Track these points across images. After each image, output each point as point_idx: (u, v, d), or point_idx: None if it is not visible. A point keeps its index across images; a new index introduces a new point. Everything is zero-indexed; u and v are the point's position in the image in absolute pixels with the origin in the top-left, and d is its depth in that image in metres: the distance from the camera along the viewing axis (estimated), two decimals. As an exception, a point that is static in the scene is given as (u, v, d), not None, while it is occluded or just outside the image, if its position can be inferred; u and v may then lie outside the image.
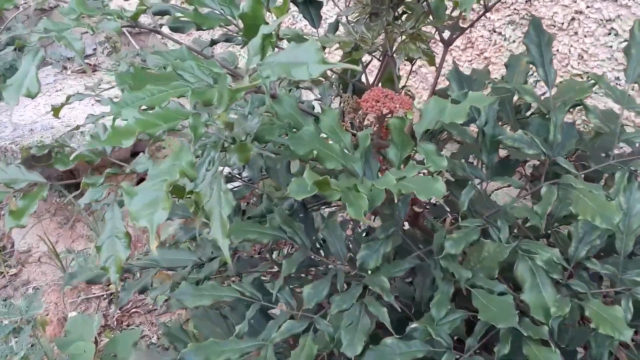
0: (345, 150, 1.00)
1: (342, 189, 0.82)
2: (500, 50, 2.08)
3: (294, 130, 1.07)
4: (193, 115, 0.75)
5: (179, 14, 1.13)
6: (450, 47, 1.23)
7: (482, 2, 1.11)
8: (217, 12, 1.08)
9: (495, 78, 2.01)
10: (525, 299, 1.00)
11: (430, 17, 1.16)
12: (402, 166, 1.11)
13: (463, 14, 0.96)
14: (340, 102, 1.37)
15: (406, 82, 1.45)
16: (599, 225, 0.93)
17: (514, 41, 2.03)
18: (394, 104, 1.10)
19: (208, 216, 0.89)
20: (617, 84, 1.81)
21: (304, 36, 1.31)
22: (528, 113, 1.49)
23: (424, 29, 1.16)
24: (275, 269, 1.35)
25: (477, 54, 2.15)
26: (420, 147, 1.03)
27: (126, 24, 0.96)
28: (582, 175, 1.10)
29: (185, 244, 1.37)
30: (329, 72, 1.42)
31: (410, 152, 1.07)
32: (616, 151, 1.51)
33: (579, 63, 1.86)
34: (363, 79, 1.41)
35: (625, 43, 1.77)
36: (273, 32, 0.85)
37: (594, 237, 1.03)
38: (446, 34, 1.23)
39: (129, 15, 0.94)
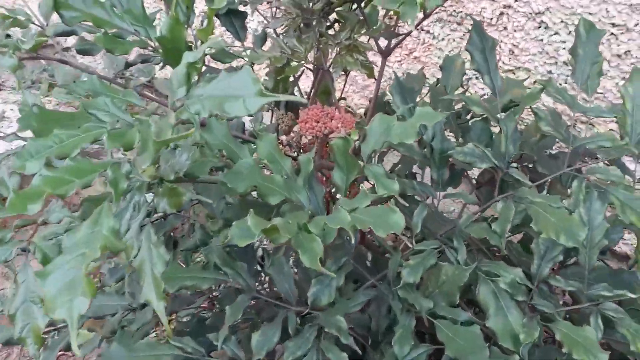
0: (287, 180, 0.90)
1: (293, 233, 0.72)
2: (429, 49, 2.02)
3: (228, 159, 0.96)
4: (112, 167, 0.63)
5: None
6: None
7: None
8: (131, 32, 0.96)
9: (428, 80, 1.96)
10: (491, 326, 0.93)
11: (366, 27, 1.07)
12: (349, 190, 1.02)
13: (407, 23, 0.88)
14: (274, 119, 1.27)
15: (342, 94, 1.36)
16: (565, 243, 0.87)
17: (442, 39, 1.98)
18: (336, 123, 1.01)
19: (137, 273, 0.78)
20: (549, 77, 1.79)
21: (231, 51, 1.20)
22: (468, 116, 1.45)
23: (359, 39, 1.07)
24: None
25: (406, 54, 2.09)
26: (368, 170, 0.94)
27: (25, 55, 0.82)
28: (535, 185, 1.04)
29: (113, 286, 1.24)
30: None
31: (357, 175, 0.98)
32: (556, 149, 1.48)
33: (510, 58, 1.83)
34: (296, 91, 1.32)
35: (556, 36, 1.76)
36: (199, 59, 0.75)
37: (556, 252, 0.97)
38: (382, 42, 1.15)
39: (27, 47, 0.80)
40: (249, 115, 1.44)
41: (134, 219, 0.82)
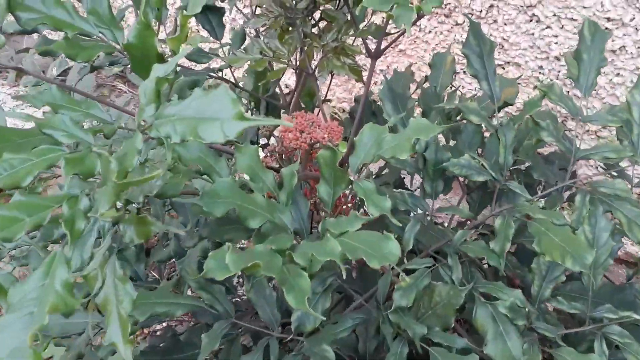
0: (268, 201, 0.82)
1: (277, 270, 0.64)
2: (415, 42, 1.94)
3: (205, 174, 0.88)
4: (68, 202, 0.55)
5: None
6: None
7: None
8: (96, 36, 0.86)
9: (415, 80, 1.88)
10: (490, 352, 0.87)
11: (354, 27, 0.99)
12: (335, 205, 0.95)
13: (401, 28, 0.80)
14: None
15: (327, 94, 1.28)
16: (571, 267, 0.81)
17: (429, 32, 1.90)
18: (322, 133, 0.93)
19: (100, 309, 0.70)
20: (540, 72, 1.72)
21: (209, 53, 1.11)
22: (459, 117, 1.37)
23: (347, 40, 0.99)
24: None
25: (391, 47, 2.01)
26: (358, 186, 0.87)
27: (-27, 64, 0.73)
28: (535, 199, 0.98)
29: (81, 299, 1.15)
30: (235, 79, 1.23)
31: (345, 190, 0.91)
32: (548, 151, 1.42)
33: (499, 53, 1.75)
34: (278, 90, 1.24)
35: (548, 30, 1.69)
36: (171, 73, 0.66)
37: (558, 273, 0.91)
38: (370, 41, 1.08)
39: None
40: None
41: (98, 245, 0.74)
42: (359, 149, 0.89)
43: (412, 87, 1.46)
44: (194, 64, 1.11)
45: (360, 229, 0.77)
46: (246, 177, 0.90)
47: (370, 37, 1.03)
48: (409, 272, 0.94)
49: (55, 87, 0.78)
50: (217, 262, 0.68)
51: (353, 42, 1.04)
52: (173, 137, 0.59)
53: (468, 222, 1.23)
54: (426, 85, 1.43)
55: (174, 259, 1.19)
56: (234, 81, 1.16)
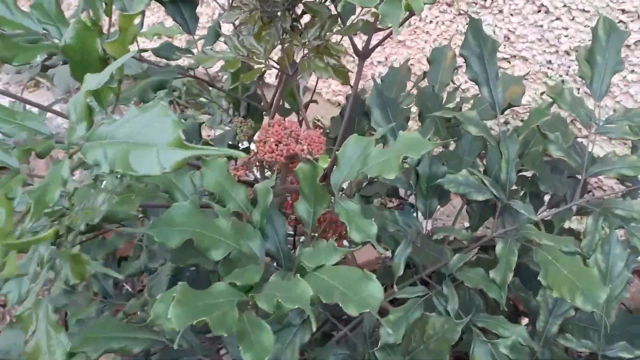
0: (236, 226, 0.72)
1: (231, 325, 0.54)
2: (415, 32, 1.82)
3: (166, 193, 0.77)
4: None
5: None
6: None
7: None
8: (39, 33, 0.75)
9: (415, 74, 1.77)
10: (489, 397, 0.76)
11: (340, 23, 0.88)
12: (320, 221, 0.84)
13: (388, 27, 0.69)
14: (235, 126, 1.07)
15: (313, 94, 1.17)
16: (581, 306, 0.70)
17: (430, 22, 1.78)
18: (301, 145, 0.82)
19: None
20: (549, 67, 1.60)
21: (180, 49, 1.00)
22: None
23: (332, 38, 0.88)
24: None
25: (389, 37, 1.89)
26: (340, 206, 0.76)
27: None
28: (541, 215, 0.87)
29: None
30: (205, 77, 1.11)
31: (327, 208, 0.80)
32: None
33: (505, 46, 1.64)
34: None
35: (557, 21, 1.57)
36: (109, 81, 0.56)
37: (567, 307, 0.80)
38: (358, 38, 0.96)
39: None
40: (207, 114, 1.24)
41: (35, 280, 0.64)
42: (341, 164, 0.78)
43: (410, 84, 1.35)
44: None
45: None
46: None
47: (360, 32, 0.92)
48: (398, 302, 0.84)
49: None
50: (166, 307, 0.58)
51: (340, 40, 0.93)
52: (102, 165, 0.49)
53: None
54: (424, 82, 1.32)
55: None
56: (208, 80, 1.05)
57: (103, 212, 0.64)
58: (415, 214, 0.93)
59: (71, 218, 0.67)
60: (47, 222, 0.69)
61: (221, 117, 1.18)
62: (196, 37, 1.06)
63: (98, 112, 0.56)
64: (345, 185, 0.81)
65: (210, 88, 1.07)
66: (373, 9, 0.70)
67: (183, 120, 1.18)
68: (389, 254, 0.94)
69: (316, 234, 0.86)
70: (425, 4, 0.69)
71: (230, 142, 1.08)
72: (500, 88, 0.85)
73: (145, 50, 0.99)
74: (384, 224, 0.85)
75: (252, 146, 1.16)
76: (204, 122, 1.20)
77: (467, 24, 0.85)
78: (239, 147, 1.09)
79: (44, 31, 0.75)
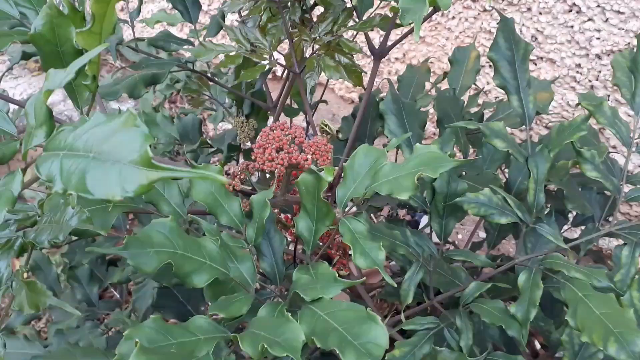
0: (223, 249, 0.63)
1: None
2: (436, 28, 1.72)
3: (150, 203, 0.69)
4: None
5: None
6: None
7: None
8: (14, 18, 0.67)
9: (434, 72, 1.67)
10: None
11: (355, 17, 0.79)
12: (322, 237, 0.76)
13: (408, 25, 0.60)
14: (235, 126, 0.98)
15: (323, 94, 1.08)
16: (615, 355, 0.61)
17: (453, 17, 1.68)
18: (304, 154, 0.73)
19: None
20: (578, 71, 1.50)
21: (179, 40, 0.91)
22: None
23: (345, 34, 0.78)
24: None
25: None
26: (344, 226, 0.67)
27: None
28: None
29: (21, 328, 0.98)
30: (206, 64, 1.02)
31: (330, 227, 0.71)
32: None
33: (531, 47, 1.53)
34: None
35: (589, 22, 1.47)
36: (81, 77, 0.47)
37: (596, 349, 0.71)
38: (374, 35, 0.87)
39: None
40: (209, 109, 1.16)
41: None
42: (348, 178, 0.69)
43: (428, 84, 1.25)
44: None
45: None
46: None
47: (377, 28, 0.83)
48: (405, 334, 0.75)
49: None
50: (132, 348, 0.50)
51: (355, 37, 0.84)
52: (56, 183, 0.40)
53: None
54: (444, 83, 1.23)
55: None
56: (209, 75, 0.96)
57: (70, 228, 0.55)
58: (428, 232, 0.84)
59: (37, 232, 0.59)
60: (11, 234, 0.61)
61: (223, 114, 1.10)
62: (199, 27, 0.97)
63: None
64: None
65: (211, 83, 0.98)
66: (392, 3, 0.61)
67: (184, 116, 1.10)
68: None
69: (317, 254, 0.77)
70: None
71: (231, 142, 0.99)
72: (531, 97, 0.75)
73: (141, 39, 0.91)
74: (394, 245, 0.76)
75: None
76: (205, 118, 1.12)
77: (494, 21, 0.76)
78: (241, 148, 1.00)
79: (21, 15, 0.67)
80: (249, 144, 1.04)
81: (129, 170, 0.38)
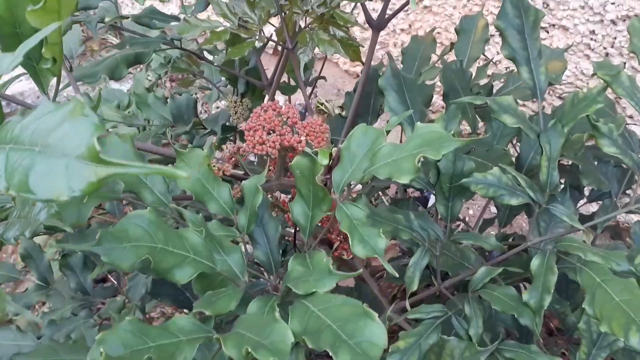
0: (209, 239, 0.59)
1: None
2: (443, -4, 1.65)
3: (131, 193, 0.64)
4: None
5: None
6: None
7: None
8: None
9: (441, 44, 1.60)
10: None
11: (349, -14, 0.73)
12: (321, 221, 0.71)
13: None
14: (228, 106, 0.93)
15: (321, 71, 1.02)
16: (637, 347, 0.56)
17: (460, -15, 1.60)
18: (298, 136, 0.68)
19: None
20: (592, 38, 1.43)
21: (164, 16, 0.86)
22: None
23: (340, 5, 0.73)
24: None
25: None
26: (342, 212, 0.63)
27: None
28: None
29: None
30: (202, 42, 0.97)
31: (327, 212, 0.66)
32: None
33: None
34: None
35: (603, -12, 1.39)
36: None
37: (615, 337, 0.66)
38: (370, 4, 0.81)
39: None
40: (203, 88, 1.11)
41: None
42: (345, 160, 0.65)
43: (434, 57, 1.19)
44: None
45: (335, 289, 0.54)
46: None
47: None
48: (411, 322, 0.70)
49: None
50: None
51: (352, 9, 0.78)
52: None
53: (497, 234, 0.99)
54: (451, 55, 1.17)
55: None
56: (198, 53, 0.91)
57: (38, 223, 0.51)
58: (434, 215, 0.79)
59: (6, 227, 0.54)
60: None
61: (218, 94, 1.05)
62: (187, 3, 0.91)
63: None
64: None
65: (201, 61, 0.93)
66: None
67: (178, 96, 1.05)
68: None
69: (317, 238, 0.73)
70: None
71: (225, 123, 0.94)
72: (543, 68, 0.70)
73: (125, 17, 0.86)
74: (397, 231, 0.71)
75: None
76: (201, 98, 1.07)
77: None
78: (237, 129, 0.95)
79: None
80: (244, 124, 0.99)
81: (76, 165, 0.33)
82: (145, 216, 0.54)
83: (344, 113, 1.10)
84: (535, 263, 0.67)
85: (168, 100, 1.05)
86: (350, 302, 0.51)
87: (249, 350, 0.44)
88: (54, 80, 0.53)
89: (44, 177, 0.33)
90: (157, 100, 1.01)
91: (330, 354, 0.46)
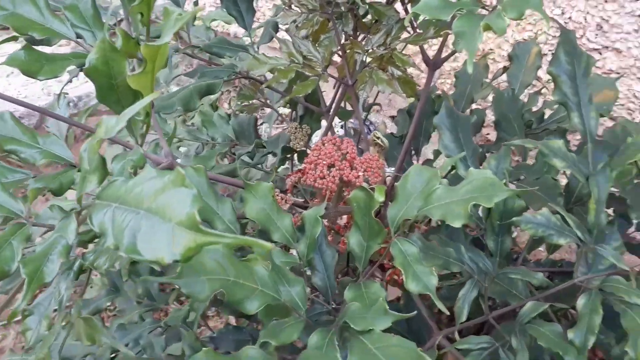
0: (275, 272, 0.64)
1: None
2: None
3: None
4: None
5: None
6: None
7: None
8: (71, 39, 0.68)
9: (492, 59, 1.62)
10: None
11: (409, 29, 0.77)
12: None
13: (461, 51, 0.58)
14: (289, 130, 0.98)
15: (376, 98, 1.06)
16: (678, 392, 0.59)
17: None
18: (356, 171, 0.73)
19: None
20: (645, 63, 1.43)
21: (234, 46, 0.91)
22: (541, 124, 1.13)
23: (398, 47, 0.77)
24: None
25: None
26: (396, 248, 0.67)
27: None
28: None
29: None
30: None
31: (381, 245, 0.71)
32: None
33: (596, 35, 1.47)
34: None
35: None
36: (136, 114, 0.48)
37: (657, 378, 0.69)
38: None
39: None
40: (266, 106, 1.16)
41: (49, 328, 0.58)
42: (400, 198, 0.69)
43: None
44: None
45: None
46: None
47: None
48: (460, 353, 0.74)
49: (8, 114, 0.61)
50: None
51: (404, 48, 0.82)
52: (107, 236, 0.41)
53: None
54: (502, 78, 1.19)
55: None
56: (262, 81, 0.96)
57: (125, 259, 0.57)
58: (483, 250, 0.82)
59: (95, 254, 0.60)
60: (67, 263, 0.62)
61: (278, 115, 1.10)
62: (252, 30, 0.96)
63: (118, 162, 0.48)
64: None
65: (266, 89, 0.98)
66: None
67: (239, 113, 1.10)
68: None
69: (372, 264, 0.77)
70: (513, 19, 0.58)
71: (284, 145, 0.99)
72: (593, 113, 0.72)
73: (197, 47, 0.91)
74: (448, 264, 0.75)
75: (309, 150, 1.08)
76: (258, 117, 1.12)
77: (557, 8, 0.73)
78: (295, 150, 1.00)
79: (78, 37, 0.68)
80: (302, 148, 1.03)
81: (178, 232, 0.38)
82: (219, 250, 0.60)
83: (396, 132, 1.15)
84: (581, 302, 0.69)
85: (230, 117, 1.11)
86: (406, 345, 0.55)
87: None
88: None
89: (149, 240, 0.38)
90: (221, 119, 1.07)
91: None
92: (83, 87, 2.41)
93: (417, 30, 0.76)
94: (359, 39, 0.82)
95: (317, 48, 0.78)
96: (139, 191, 0.41)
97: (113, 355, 0.96)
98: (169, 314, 1.08)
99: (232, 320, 1.41)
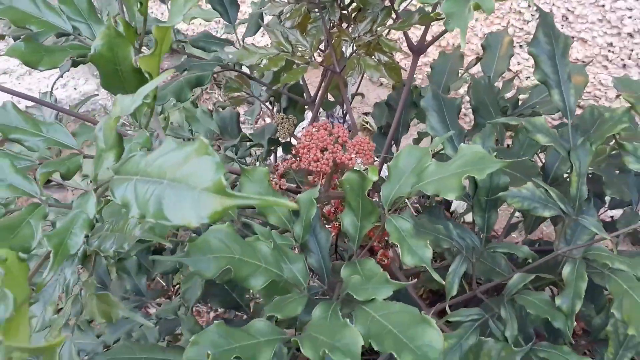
0: (275, 251, 0.66)
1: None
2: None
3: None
4: None
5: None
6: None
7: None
8: (68, 32, 0.69)
9: (463, 51, 1.66)
10: None
11: (393, 16, 0.80)
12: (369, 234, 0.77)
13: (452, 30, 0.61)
14: (275, 121, 1.00)
15: (358, 88, 1.09)
16: (663, 348, 0.63)
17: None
18: (348, 153, 0.75)
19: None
20: (610, 50, 1.49)
21: (219, 40, 0.93)
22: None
23: (384, 33, 0.79)
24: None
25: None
26: (391, 224, 0.69)
27: None
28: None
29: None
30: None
31: (375, 223, 0.73)
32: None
33: (562, 26, 1.53)
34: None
35: (621, 1, 1.45)
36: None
37: (640, 338, 0.72)
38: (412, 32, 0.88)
39: None
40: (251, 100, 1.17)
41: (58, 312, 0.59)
42: (393, 177, 0.71)
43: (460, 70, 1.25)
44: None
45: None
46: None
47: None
48: (451, 325, 0.77)
49: (10, 104, 0.62)
50: (199, 352, 0.52)
51: (388, 33, 0.85)
52: (131, 207, 0.42)
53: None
54: (476, 68, 1.23)
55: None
56: (249, 74, 0.98)
57: (135, 238, 0.58)
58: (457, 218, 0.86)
59: (100, 239, 0.61)
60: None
61: (261, 108, 1.12)
62: (235, 24, 0.98)
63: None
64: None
65: (251, 81, 1.00)
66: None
67: (221, 109, 1.12)
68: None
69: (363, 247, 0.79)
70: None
71: (270, 137, 1.01)
72: (572, 90, 0.76)
73: (183, 42, 0.93)
74: (438, 240, 0.78)
75: (294, 141, 1.10)
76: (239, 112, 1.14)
77: (524, 1, 0.76)
78: (280, 141, 1.02)
79: (74, 29, 0.69)
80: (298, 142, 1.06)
81: (204, 197, 0.40)
82: (223, 230, 0.61)
83: (375, 124, 1.17)
84: (566, 270, 0.73)
85: (213, 113, 1.12)
86: (408, 310, 0.57)
87: (326, 352, 0.51)
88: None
89: (176, 207, 0.40)
90: (204, 115, 1.08)
91: (395, 356, 0.53)
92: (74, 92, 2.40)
93: (401, 18, 0.79)
94: (345, 27, 0.85)
95: (305, 37, 0.80)
96: (160, 163, 0.43)
97: (105, 349, 0.97)
98: (154, 312, 1.09)
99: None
